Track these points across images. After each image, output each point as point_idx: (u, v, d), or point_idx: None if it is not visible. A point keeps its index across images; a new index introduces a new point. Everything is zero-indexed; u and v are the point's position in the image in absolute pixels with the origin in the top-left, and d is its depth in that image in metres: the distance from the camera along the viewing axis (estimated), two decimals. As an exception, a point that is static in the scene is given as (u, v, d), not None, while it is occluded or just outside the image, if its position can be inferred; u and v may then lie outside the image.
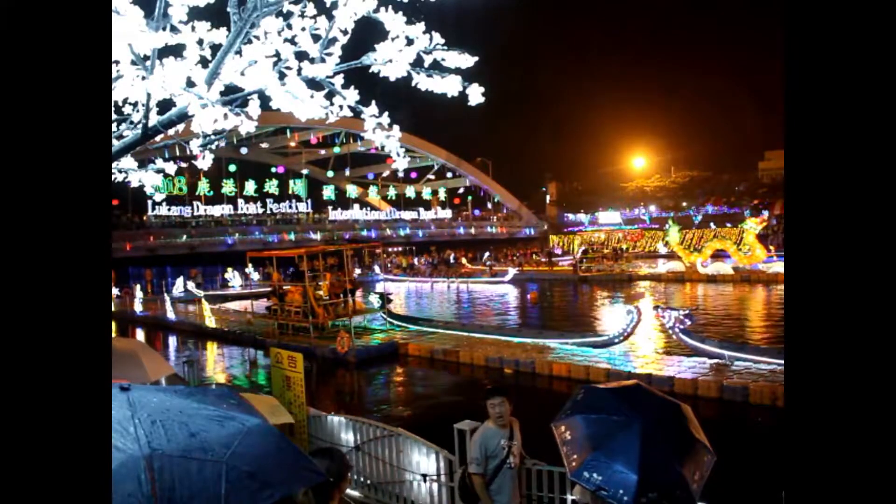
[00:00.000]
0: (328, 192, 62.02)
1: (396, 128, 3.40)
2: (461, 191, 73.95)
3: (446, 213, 71.36)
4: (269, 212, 57.78)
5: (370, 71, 3.10)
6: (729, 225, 61.06)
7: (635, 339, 17.80)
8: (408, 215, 66.92)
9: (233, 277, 41.61)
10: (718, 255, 39.95)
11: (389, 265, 50.89)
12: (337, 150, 62.59)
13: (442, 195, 71.82)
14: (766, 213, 61.66)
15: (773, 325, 22.15)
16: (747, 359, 14.43)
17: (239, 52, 2.99)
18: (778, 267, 35.15)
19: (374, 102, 3.24)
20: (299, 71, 3.06)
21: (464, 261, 54.83)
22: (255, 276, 40.83)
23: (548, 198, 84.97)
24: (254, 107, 3.12)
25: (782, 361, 13.88)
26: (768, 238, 50.72)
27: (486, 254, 60.17)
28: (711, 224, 65.04)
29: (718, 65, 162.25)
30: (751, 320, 23.72)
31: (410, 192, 69.98)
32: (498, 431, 5.12)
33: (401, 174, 60.61)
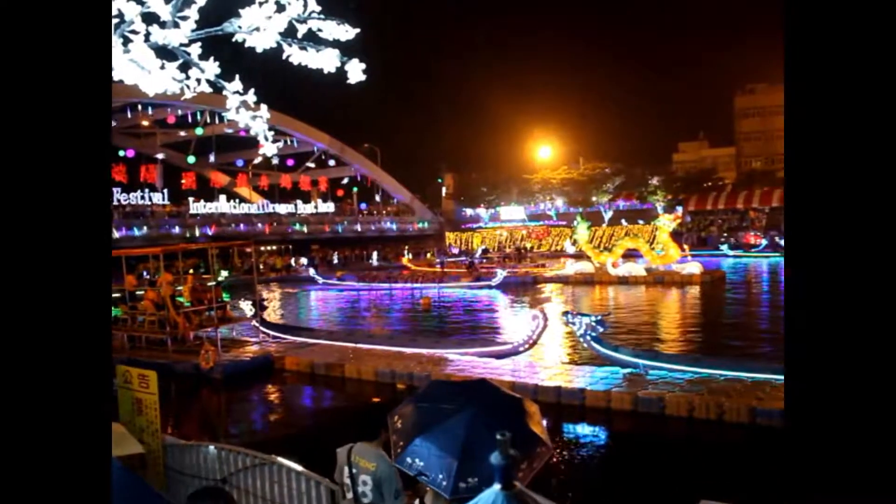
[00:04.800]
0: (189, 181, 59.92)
1: (264, 107, 3.30)
2: (346, 181, 73.18)
3: (328, 207, 70.26)
4: (115, 202, 55.21)
5: (234, 40, 2.99)
6: (641, 222, 63.62)
7: (541, 347, 18.22)
8: (283, 209, 65.42)
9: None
10: (630, 255, 41.37)
11: (262, 266, 49.90)
12: (199, 131, 60.58)
13: (323, 186, 70.92)
14: (680, 210, 64.50)
15: (688, 331, 23.21)
16: (663, 367, 15.02)
17: (72, 12, 2.82)
18: (692, 268, 36.73)
19: (237, 77, 3.13)
20: (147, 36, 2.92)
21: (405, 260, 53.69)
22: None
23: (444, 190, 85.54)
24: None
25: (699, 369, 14.60)
26: (682, 236, 53.07)
27: (375, 253, 60.13)
28: (623, 221, 67.56)
29: (630, 46, 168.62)
30: (666, 325, 24.75)
31: (286, 181, 68.72)
32: None
33: (276, 161, 59.40)
